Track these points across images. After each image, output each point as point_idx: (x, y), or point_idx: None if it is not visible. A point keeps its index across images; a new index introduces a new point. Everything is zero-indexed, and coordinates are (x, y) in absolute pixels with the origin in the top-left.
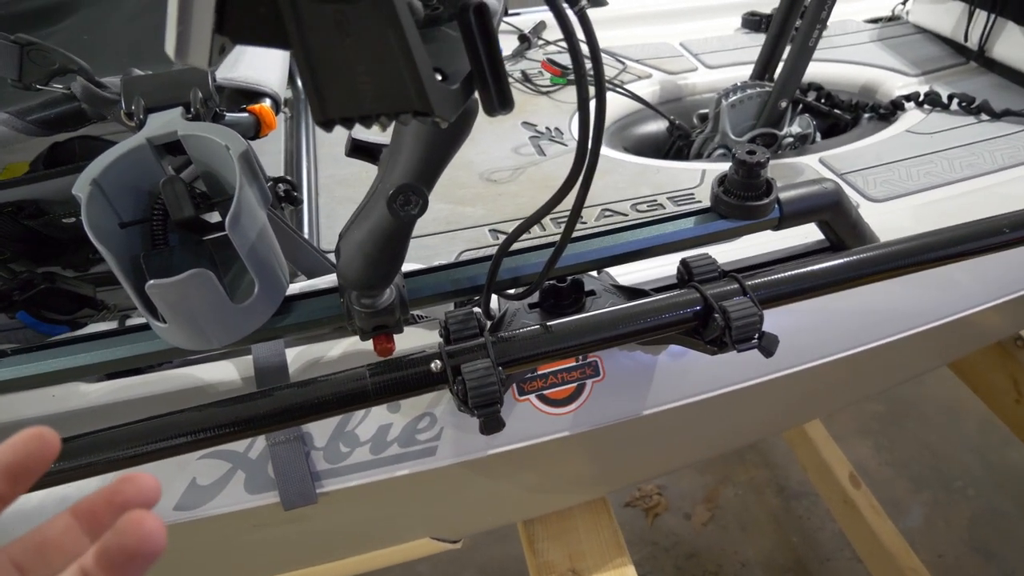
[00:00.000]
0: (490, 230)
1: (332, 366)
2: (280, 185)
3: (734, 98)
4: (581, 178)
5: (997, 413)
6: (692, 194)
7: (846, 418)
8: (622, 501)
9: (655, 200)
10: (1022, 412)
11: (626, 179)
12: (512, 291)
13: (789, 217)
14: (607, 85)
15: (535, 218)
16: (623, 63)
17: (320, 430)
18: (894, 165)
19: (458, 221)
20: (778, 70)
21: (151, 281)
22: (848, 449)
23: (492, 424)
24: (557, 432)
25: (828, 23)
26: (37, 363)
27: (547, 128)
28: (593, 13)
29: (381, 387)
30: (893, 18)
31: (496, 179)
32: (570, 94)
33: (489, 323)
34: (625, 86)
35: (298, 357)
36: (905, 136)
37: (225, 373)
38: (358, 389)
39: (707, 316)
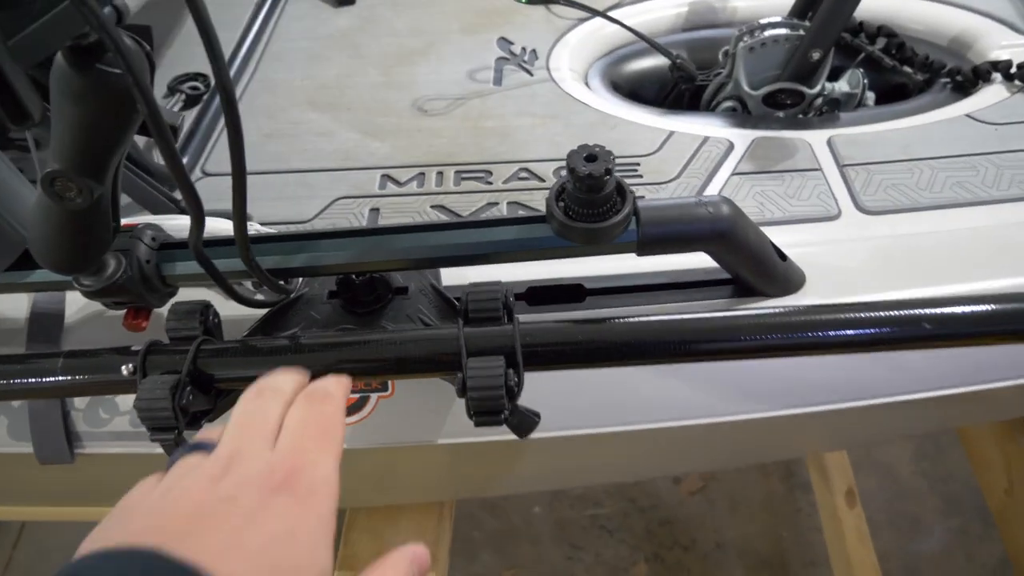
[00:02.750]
0: (382, 174)
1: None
2: (185, 85)
3: (752, 40)
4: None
5: (985, 493)
6: (638, 163)
7: None
8: None
9: None
10: (1011, 505)
11: (573, 130)
12: (259, 297)
13: (653, 243)
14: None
15: None
16: None
17: None
18: (921, 164)
19: (356, 157)
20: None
21: None
22: (883, 448)
23: (167, 448)
24: None
25: None
26: None
27: (522, 49)
28: None
29: (66, 387)
30: None
31: (427, 109)
32: (571, 11)
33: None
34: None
35: (84, 307)
36: (961, 122)
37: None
38: (47, 386)
39: (457, 367)
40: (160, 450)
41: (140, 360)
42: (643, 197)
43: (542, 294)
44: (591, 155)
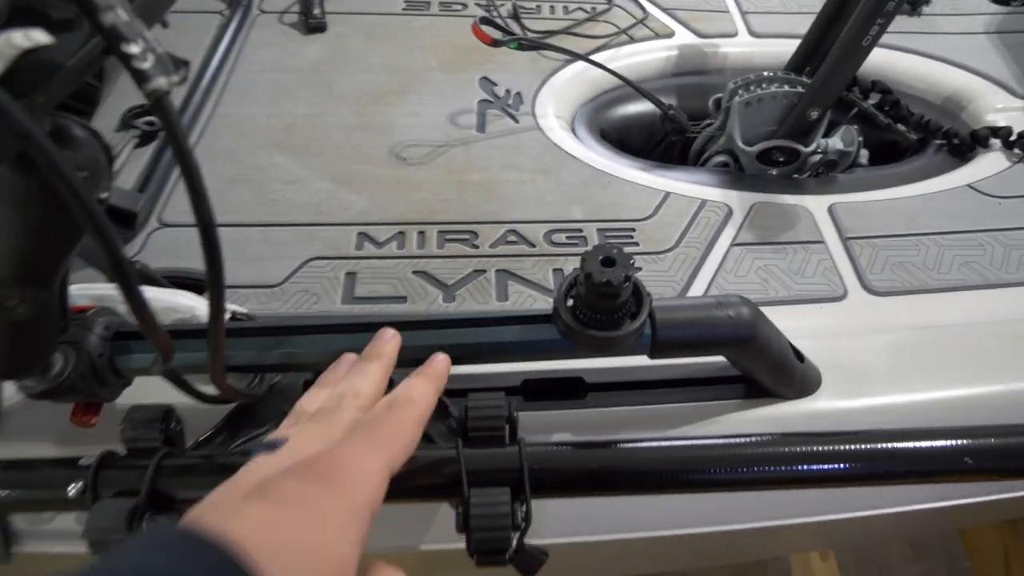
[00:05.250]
0: (359, 232)
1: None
2: (140, 120)
3: (749, 95)
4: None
5: None
6: (633, 229)
7: None
8: None
9: (580, 231)
10: None
11: (564, 188)
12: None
13: (668, 348)
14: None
15: None
16: (645, 12)
17: None
18: (926, 239)
19: (329, 212)
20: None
21: None
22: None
23: None
24: None
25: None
26: None
27: (507, 91)
28: None
29: (7, 503)
30: None
31: (406, 157)
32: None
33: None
34: (632, 41)
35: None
36: (964, 193)
37: None
38: None
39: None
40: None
41: (91, 478)
42: (640, 268)
43: (539, 388)
44: (609, 259)
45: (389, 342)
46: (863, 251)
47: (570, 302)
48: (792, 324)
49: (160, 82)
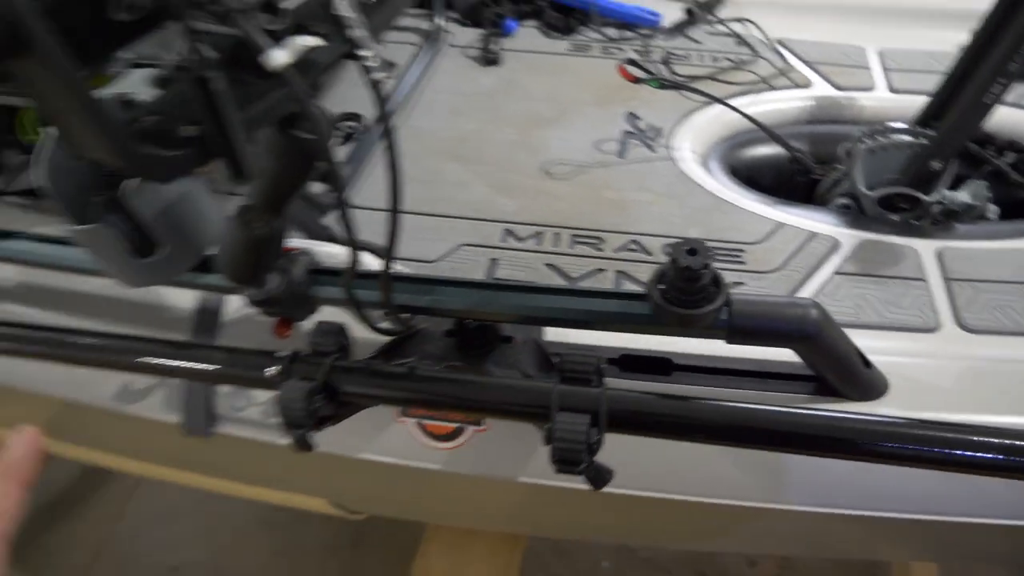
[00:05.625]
0: (505, 229)
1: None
2: (344, 124)
3: (873, 143)
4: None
5: None
6: (742, 250)
7: None
8: None
9: None
10: None
11: (686, 211)
12: (383, 325)
13: (741, 334)
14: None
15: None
16: (787, 63)
17: None
18: None
19: (484, 210)
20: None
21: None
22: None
23: (301, 443)
24: (427, 463)
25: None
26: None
27: (648, 125)
28: None
29: (223, 375)
30: None
31: (553, 173)
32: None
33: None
34: (771, 89)
35: (238, 310)
36: None
37: (173, 296)
38: (206, 373)
39: (547, 418)
40: (281, 440)
41: (286, 364)
42: (743, 284)
43: (633, 363)
44: (692, 249)
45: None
46: (963, 291)
47: (662, 286)
48: (878, 344)
49: (379, 74)
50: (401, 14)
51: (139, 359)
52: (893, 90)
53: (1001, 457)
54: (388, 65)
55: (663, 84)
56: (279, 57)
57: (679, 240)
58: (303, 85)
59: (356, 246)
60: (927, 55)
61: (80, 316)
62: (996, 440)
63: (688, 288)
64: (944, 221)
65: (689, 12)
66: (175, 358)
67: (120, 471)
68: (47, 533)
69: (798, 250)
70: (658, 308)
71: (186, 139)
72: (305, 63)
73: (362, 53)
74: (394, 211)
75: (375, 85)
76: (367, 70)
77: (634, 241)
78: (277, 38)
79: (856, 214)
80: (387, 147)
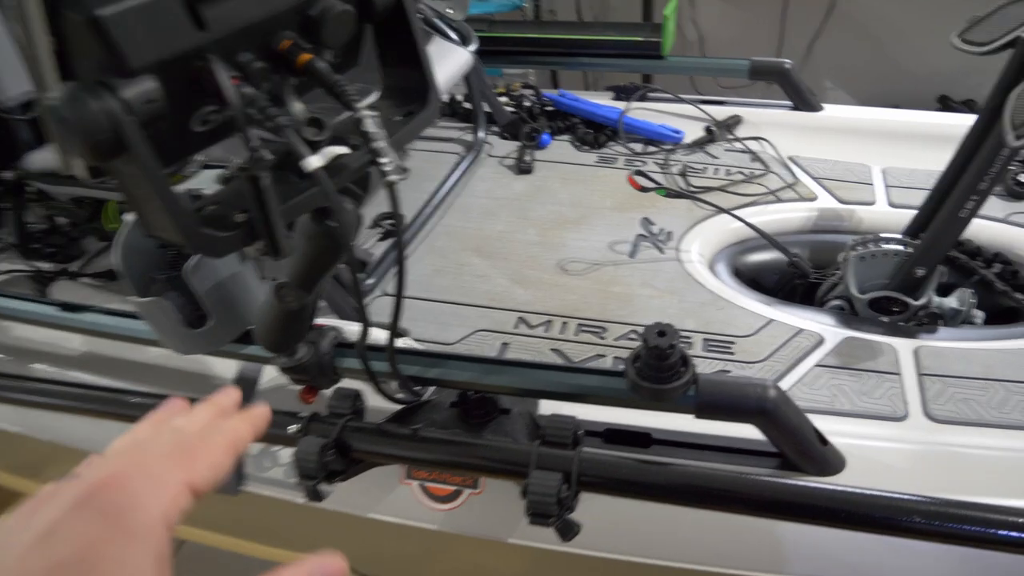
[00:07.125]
0: (518, 317)
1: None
2: (385, 221)
3: (864, 250)
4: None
5: None
6: (733, 342)
7: None
8: None
9: (688, 338)
10: None
11: (686, 305)
12: (399, 396)
13: (708, 409)
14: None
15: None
16: (795, 178)
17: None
18: (997, 384)
19: (500, 300)
20: None
21: (130, 297)
22: None
23: (312, 494)
24: (428, 523)
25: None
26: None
27: (660, 229)
28: (802, 118)
29: None
30: None
31: (569, 270)
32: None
33: (402, 405)
34: (778, 201)
35: (272, 379)
36: None
37: (217, 365)
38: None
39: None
40: (299, 500)
41: (306, 424)
42: (729, 372)
43: (616, 435)
44: (662, 331)
45: (228, 395)
46: (933, 385)
47: (637, 364)
48: (847, 429)
49: (393, 177)
50: (425, 128)
51: None
52: (892, 204)
53: (936, 523)
54: (403, 170)
55: (669, 193)
56: (314, 162)
57: (649, 324)
58: (331, 184)
59: (367, 323)
60: (927, 174)
61: (134, 381)
62: (936, 508)
63: (659, 365)
64: (930, 323)
65: (708, 130)
66: None
67: None
68: None
69: (784, 344)
70: (633, 384)
71: (236, 223)
72: (336, 167)
73: (381, 160)
74: (399, 296)
75: (390, 187)
76: (384, 173)
77: (634, 331)
78: (316, 148)
79: (848, 315)
80: (396, 242)
